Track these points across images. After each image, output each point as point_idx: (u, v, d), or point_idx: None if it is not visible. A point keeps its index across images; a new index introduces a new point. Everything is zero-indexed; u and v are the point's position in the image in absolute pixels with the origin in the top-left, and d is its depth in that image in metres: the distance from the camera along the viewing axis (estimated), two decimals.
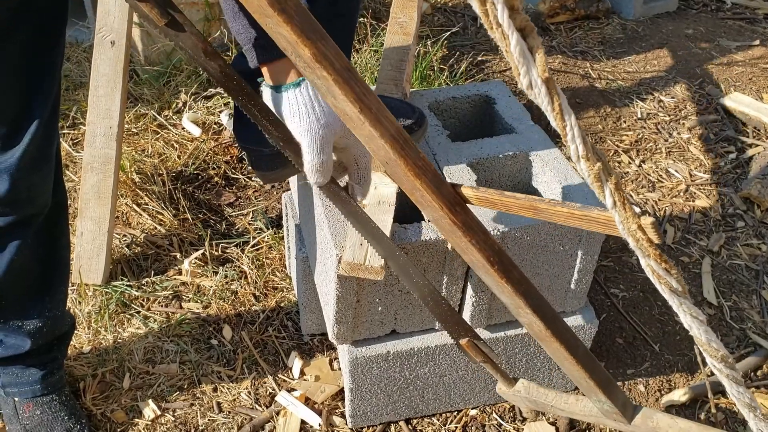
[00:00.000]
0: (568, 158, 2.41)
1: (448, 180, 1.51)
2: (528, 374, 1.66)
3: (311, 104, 1.06)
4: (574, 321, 1.59)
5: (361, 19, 2.68)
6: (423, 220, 1.50)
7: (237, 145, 2.27)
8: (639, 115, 2.61)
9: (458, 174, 1.52)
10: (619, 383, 1.77)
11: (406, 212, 1.48)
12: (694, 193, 2.31)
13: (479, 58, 2.83)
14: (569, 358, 0.94)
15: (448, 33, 2.88)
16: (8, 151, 1.25)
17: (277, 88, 1.09)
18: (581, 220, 0.77)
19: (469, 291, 1.47)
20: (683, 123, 2.59)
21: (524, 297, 0.88)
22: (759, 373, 1.81)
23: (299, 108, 1.06)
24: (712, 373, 1.79)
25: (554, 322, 0.93)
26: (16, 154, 1.25)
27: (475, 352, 1.15)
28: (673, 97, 2.71)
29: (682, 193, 2.31)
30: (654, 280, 0.71)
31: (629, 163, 2.42)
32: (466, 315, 1.52)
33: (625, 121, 2.59)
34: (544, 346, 0.97)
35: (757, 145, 2.50)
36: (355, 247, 1.30)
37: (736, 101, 2.64)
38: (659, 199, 2.28)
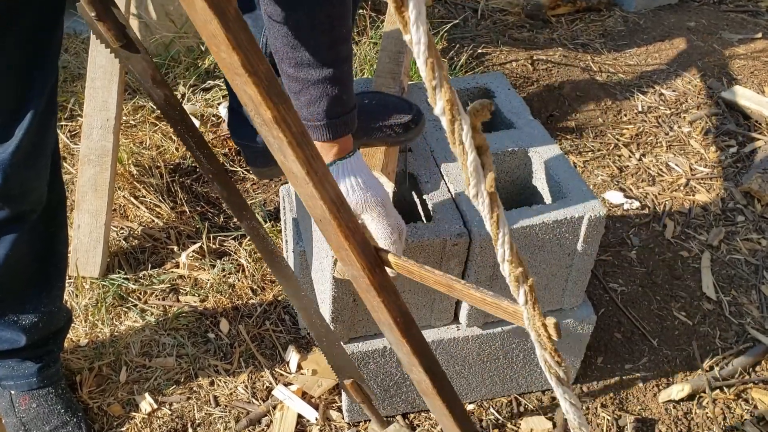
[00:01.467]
0: (567, 153, 2.40)
1: (447, 178, 1.50)
2: (526, 369, 1.66)
3: (357, 175, 1.20)
4: (571, 317, 1.58)
5: (361, 11, 2.66)
6: (419, 220, 1.49)
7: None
8: (640, 109, 2.60)
9: (456, 171, 1.51)
10: (617, 378, 1.76)
11: (404, 213, 1.47)
12: (695, 187, 2.30)
13: (479, 51, 2.81)
14: (448, 414, 1.04)
15: (449, 25, 2.86)
16: (1, 145, 1.24)
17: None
18: (491, 306, 0.85)
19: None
20: (684, 116, 2.58)
21: (419, 356, 0.98)
22: (758, 368, 1.80)
23: (344, 179, 1.20)
24: (711, 369, 1.78)
25: (441, 381, 1.03)
26: (9, 148, 1.24)
27: (356, 393, 1.28)
28: (674, 91, 2.69)
29: (682, 187, 2.30)
30: (545, 368, 0.82)
31: (629, 156, 2.41)
32: (463, 313, 1.51)
33: (625, 115, 2.58)
34: (427, 401, 1.07)
35: (758, 139, 2.48)
36: None
37: (738, 95, 2.62)
38: (659, 193, 2.27)
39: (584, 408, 1.70)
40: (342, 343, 1.27)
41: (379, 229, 1.20)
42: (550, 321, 0.78)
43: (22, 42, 1.18)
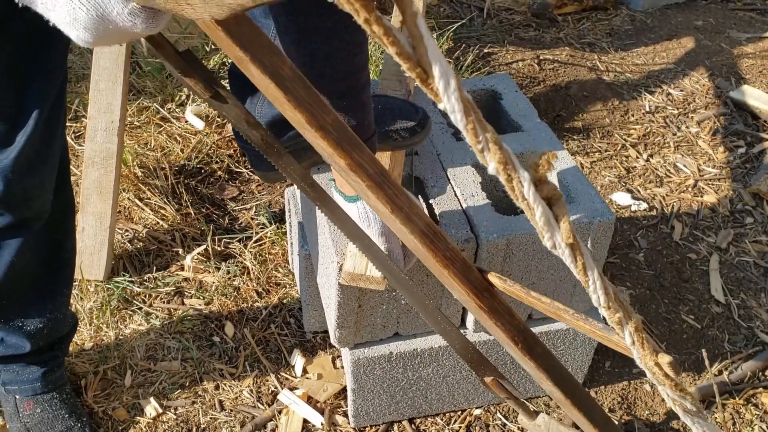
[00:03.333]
0: (574, 153, 2.38)
1: (453, 183, 1.49)
2: None
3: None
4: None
5: None
6: None
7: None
8: (647, 109, 2.58)
9: (463, 175, 1.50)
10: (625, 382, 1.75)
11: None
12: (703, 188, 2.28)
13: (485, 51, 2.79)
14: (588, 424, 1.02)
15: (455, 25, 2.84)
16: (2, 151, 1.21)
17: (348, 198, 1.28)
18: (602, 338, 0.85)
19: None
20: (692, 116, 2.56)
21: (546, 371, 0.97)
22: (767, 372, 1.79)
23: (368, 215, 1.24)
24: (719, 373, 1.77)
25: (573, 390, 1.01)
26: (11, 155, 1.21)
27: (499, 390, 1.22)
28: (681, 90, 2.67)
29: (690, 189, 2.28)
30: (670, 402, 0.80)
31: (637, 157, 2.39)
32: (470, 319, 1.50)
33: (632, 115, 2.56)
34: (564, 410, 1.05)
35: (767, 140, 2.46)
36: (356, 256, 1.28)
37: (747, 94, 2.60)
38: (667, 195, 2.25)
39: None
40: (466, 339, 1.24)
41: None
42: (664, 359, 0.75)
43: (21, 44, 1.14)
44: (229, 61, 1.99)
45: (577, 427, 1.46)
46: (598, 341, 0.88)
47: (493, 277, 0.94)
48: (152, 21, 0.79)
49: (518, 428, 1.64)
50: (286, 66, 0.76)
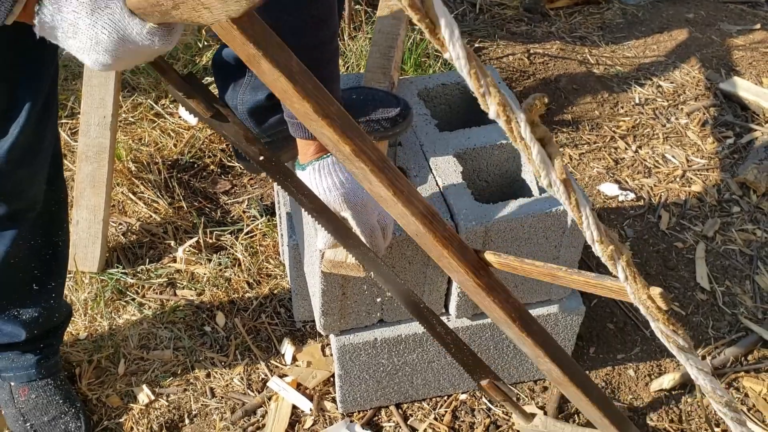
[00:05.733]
0: (563, 146, 2.41)
1: (435, 172, 1.52)
2: (517, 359, 1.67)
3: (335, 173, 1.22)
4: (560, 308, 1.60)
5: (357, 6, 2.68)
6: None
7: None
8: (637, 101, 2.60)
9: (445, 165, 1.53)
10: (609, 368, 1.78)
11: None
12: (691, 178, 2.31)
13: (476, 45, 2.82)
14: (585, 399, 1.05)
15: None
16: None
17: (302, 167, 1.26)
18: (595, 287, 0.87)
19: (455, 282, 1.48)
20: (681, 108, 2.58)
21: (543, 348, 1.00)
22: (750, 357, 1.81)
23: (323, 178, 1.23)
24: (703, 358, 1.79)
25: (570, 368, 1.03)
26: (4, 146, 1.24)
27: (495, 392, 1.25)
28: (672, 83, 2.69)
29: (678, 179, 2.31)
30: (663, 339, 0.82)
31: (625, 149, 2.42)
32: (452, 306, 1.53)
33: (622, 107, 2.58)
34: (562, 389, 1.08)
35: (756, 130, 2.48)
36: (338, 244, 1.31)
37: (736, 86, 2.62)
38: (655, 185, 2.28)
39: None
40: (461, 343, 1.26)
41: (358, 227, 1.23)
42: (655, 291, 0.78)
43: (11, 37, 1.15)
44: None
45: (574, 421, 1.49)
46: (588, 291, 0.89)
47: (488, 255, 0.98)
48: (168, 37, 0.86)
49: (503, 412, 1.67)
50: (294, 61, 0.82)
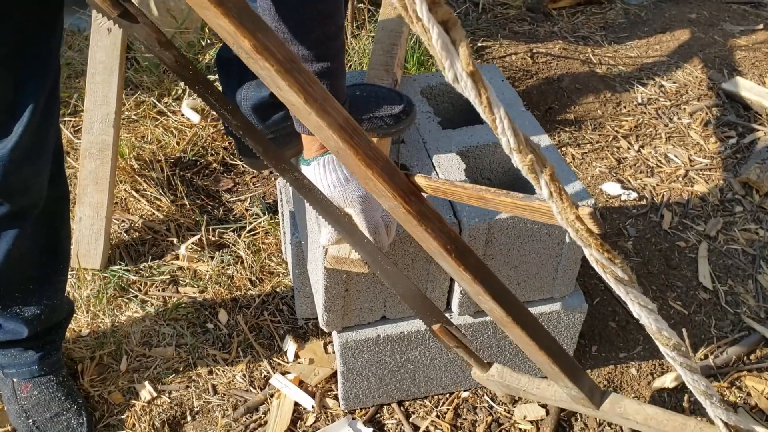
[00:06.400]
0: (565, 145, 2.41)
1: (438, 170, 1.52)
2: (518, 357, 1.67)
3: (339, 169, 1.22)
4: (562, 306, 1.60)
5: (360, 5, 2.68)
6: None
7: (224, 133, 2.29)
8: (639, 101, 2.60)
9: (447, 162, 1.53)
10: (611, 367, 1.78)
11: None
12: (693, 178, 2.31)
13: (479, 44, 2.82)
14: (532, 344, 0.96)
15: None
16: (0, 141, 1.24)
17: (307, 162, 1.25)
18: (524, 210, 0.78)
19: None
20: (684, 108, 2.58)
21: (482, 284, 0.89)
22: (752, 357, 1.81)
23: (328, 173, 1.22)
24: (705, 357, 1.79)
25: (515, 307, 0.94)
26: (8, 145, 1.24)
27: (449, 338, 1.16)
28: (674, 82, 2.69)
29: (680, 178, 2.31)
30: (599, 269, 0.70)
31: (628, 148, 2.41)
32: (455, 303, 1.53)
33: (625, 107, 2.58)
34: (506, 331, 0.99)
35: (759, 130, 2.48)
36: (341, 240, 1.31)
37: (739, 86, 2.62)
38: (657, 184, 2.28)
39: None
40: (412, 283, 1.16)
41: (361, 224, 1.23)
42: (584, 211, 0.68)
43: (19, 36, 1.18)
44: None
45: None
46: (517, 214, 0.80)
47: (419, 178, 0.87)
48: None
49: (505, 410, 1.67)
50: None
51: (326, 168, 1.23)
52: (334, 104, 0.79)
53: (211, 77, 2.50)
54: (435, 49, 0.58)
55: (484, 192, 0.84)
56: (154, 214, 2.09)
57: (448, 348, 1.18)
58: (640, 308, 0.75)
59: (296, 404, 1.67)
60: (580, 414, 1.67)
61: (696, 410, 1.69)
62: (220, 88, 1.44)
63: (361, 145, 0.81)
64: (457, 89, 0.60)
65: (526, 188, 1.60)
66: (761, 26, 3.00)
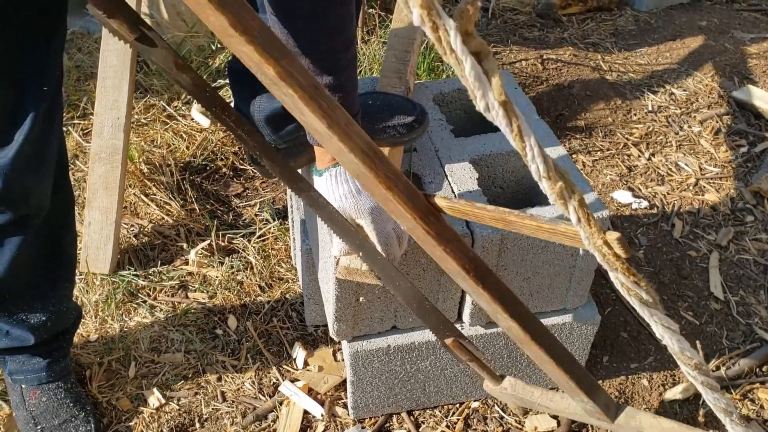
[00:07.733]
0: (576, 152, 2.40)
1: (450, 179, 1.51)
2: (530, 368, 1.66)
3: (351, 180, 1.22)
4: (575, 317, 1.59)
5: (370, 10, 2.67)
6: None
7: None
8: (650, 108, 2.59)
9: (460, 171, 1.52)
10: (623, 377, 1.77)
11: None
12: (704, 186, 2.30)
13: None
14: (549, 360, 0.96)
15: None
16: (1, 150, 1.22)
17: (319, 173, 1.25)
18: (549, 233, 0.78)
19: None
20: (694, 116, 2.57)
21: (501, 303, 0.90)
22: (765, 368, 1.80)
23: (340, 185, 1.22)
24: (717, 369, 1.78)
25: (532, 325, 0.94)
26: (9, 153, 1.22)
27: (461, 352, 1.16)
28: (684, 90, 2.68)
29: (691, 187, 2.29)
30: (624, 292, 0.71)
31: (638, 156, 2.40)
32: (466, 314, 1.52)
33: (635, 114, 2.57)
34: (524, 348, 0.99)
35: None
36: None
37: (750, 94, 2.60)
38: (668, 193, 2.27)
39: None
40: (427, 304, 1.16)
41: (372, 235, 1.22)
42: (612, 236, 0.69)
43: (20, 40, 1.16)
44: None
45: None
46: (540, 237, 0.80)
47: (439, 199, 0.89)
48: None
49: (516, 421, 1.66)
50: None
51: (338, 179, 1.22)
52: (356, 129, 0.80)
53: (221, 81, 2.49)
54: (468, 80, 0.59)
55: (507, 214, 0.85)
56: (163, 218, 2.08)
57: (460, 361, 1.17)
58: (663, 329, 0.76)
59: (305, 412, 1.66)
60: (592, 425, 1.65)
61: (709, 422, 1.68)
62: (230, 94, 1.44)
63: (382, 169, 0.82)
64: (488, 117, 0.61)
65: (540, 198, 1.59)
66: None
